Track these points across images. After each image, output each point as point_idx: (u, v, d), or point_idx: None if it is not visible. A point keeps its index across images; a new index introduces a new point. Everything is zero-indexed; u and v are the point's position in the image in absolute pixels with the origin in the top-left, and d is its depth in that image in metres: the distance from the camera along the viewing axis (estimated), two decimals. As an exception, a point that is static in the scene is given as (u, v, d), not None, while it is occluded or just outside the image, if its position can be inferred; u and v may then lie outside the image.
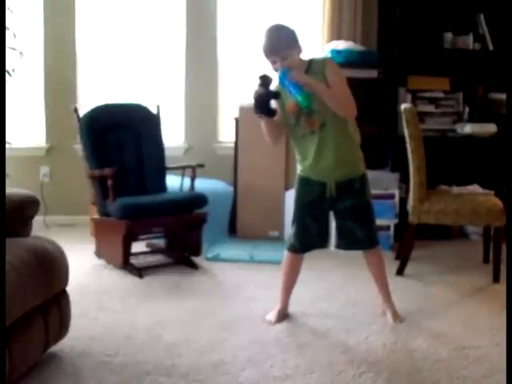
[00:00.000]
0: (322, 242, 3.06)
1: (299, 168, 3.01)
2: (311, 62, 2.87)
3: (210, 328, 2.92)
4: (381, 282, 3.11)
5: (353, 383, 2.38)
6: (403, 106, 3.82)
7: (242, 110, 4.76)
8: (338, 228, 3.05)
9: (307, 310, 3.17)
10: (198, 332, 2.86)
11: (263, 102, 2.76)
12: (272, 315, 3.04)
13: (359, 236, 2.99)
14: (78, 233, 4.71)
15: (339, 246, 3.08)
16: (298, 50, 2.83)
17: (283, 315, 3.06)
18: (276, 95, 2.80)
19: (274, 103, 2.83)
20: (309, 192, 2.97)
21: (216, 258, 4.14)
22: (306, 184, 2.97)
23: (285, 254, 3.10)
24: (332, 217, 3.07)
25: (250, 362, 2.54)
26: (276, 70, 2.82)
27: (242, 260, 4.12)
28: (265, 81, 2.76)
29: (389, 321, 3.03)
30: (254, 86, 2.79)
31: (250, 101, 4.83)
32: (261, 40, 2.84)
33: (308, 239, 3.02)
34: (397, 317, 3.05)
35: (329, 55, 4.64)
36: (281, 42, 2.79)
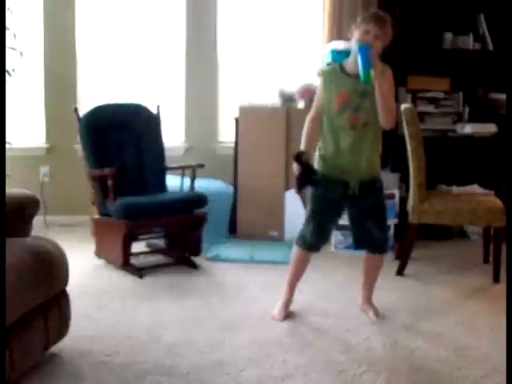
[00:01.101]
0: (326, 241, 3.12)
1: (319, 165, 2.96)
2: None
3: (210, 328, 2.92)
4: (370, 284, 3.15)
5: (353, 383, 2.38)
6: (403, 106, 3.82)
7: (242, 109, 4.76)
8: (357, 226, 3.04)
9: (307, 309, 3.17)
10: (198, 332, 2.86)
11: (307, 177, 2.81)
12: (278, 311, 3.06)
13: (376, 236, 3.00)
14: (78, 233, 4.71)
15: (359, 244, 3.08)
16: (384, 44, 2.79)
17: (288, 307, 3.08)
18: (313, 169, 2.85)
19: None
20: (329, 190, 2.94)
21: (216, 258, 4.14)
22: (326, 181, 2.91)
23: (295, 252, 3.07)
24: (348, 216, 3.08)
25: (250, 362, 2.54)
26: (360, 42, 2.74)
27: (242, 260, 4.12)
28: (301, 158, 2.79)
29: (372, 319, 3.05)
30: (296, 170, 2.82)
31: (249, 101, 4.89)
32: (366, 12, 2.85)
33: (324, 237, 3.04)
34: (378, 314, 3.07)
35: (328, 55, 4.64)
36: (385, 23, 2.78)
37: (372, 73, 2.69)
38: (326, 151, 2.94)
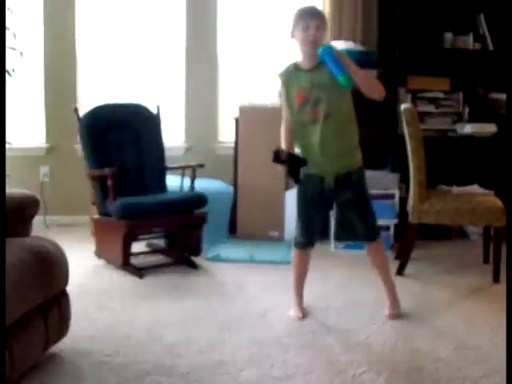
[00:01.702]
0: (321, 235, 3.15)
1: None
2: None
3: (210, 328, 2.92)
4: (384, 276, 3.12)
5: (353, 383, 2.38)
6: (403, 106, 3.82)
7: (242, 109, 4.76)
8: (339, 219, 3.08)
9: (307, 309, 3.17)
10: (198, 332, 2.86)
11: (296, 165, 2.82)
12: (296, 311, 3.08)
13: (359, 228, 3.02)
14: (78, 233, 4.71)
15: (339, 237, 3.11)
16: (325, 33, 2.85)
17: (302, 306, 3.11)
18: (294, 155, 2.85)
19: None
20: (310, 186, 2.98)
21: (216, 258, 4.14)
22: (305, 179, 2.96)
23: (293, 252, 3.13)
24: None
25: (250, 362, 2.54)
26: (305, 40, 2.77)
27: (242, 260, 4.12)
28: (279, 155, 2.79)
29: (384, 312, 3.06)
30: (277, 165, 2.82)
31: (249, 101, 4.89)
32: (297, 11, 2.85)
33: (313, 232, 3.06)
34: (392, 313, 3.07)
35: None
36: (320, 13, 2.85)
37: (349, 75, 2.69)
38: (300, 150, 2.97)
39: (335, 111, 2.84)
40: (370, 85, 2.80)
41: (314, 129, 2.86)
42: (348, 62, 2.73)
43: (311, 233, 3.05)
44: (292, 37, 2.85)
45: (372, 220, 3.04)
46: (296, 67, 2.91)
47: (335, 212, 3.09)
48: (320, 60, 2.77)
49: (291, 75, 2.91)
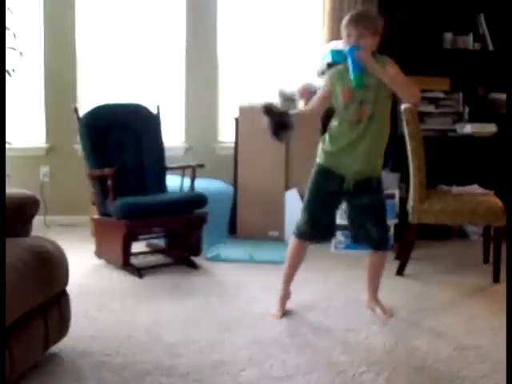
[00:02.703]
0: (329, 235, 3.18)
1: (321, 157, 3.00)
2: (374, 54, 2.87)
3: (210, 328, 2.92)
4: (375, 282, 3.17)
5: (353, 383, 2.38)
6: (403, 106, 3.81)
7: (242, 109, 4.76)
8: (354, 222, 3.07)
9: (307, 309, 3.17)
10: (198, 332, 2.86)
11: (278, 128, 2.82)
12: (275, 309, 3.08)
13: (374, 235, 3.01)
14: (78, 233, 4.71)
15: (357, 239, 3.10)
16: (375, 39, 2.85)
17: (285, 303, 3.11)
18: (285, 113, 2.85)
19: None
20: (328, 182, 2.98)
21: (216, 258, 4.14)
22: (325, 174, 2.97)
23: (291, 242, 3.11)
24: (347, 210, 3.10)
25: (250, 362, 2.54)
26: (346, 47, 2.83)
27: (242, 260, 4.12)
28: (269, 108, 2.81)
29: (380, 316, 3.06)
30: (263, 118, 2.83)
31: (249, 101, 4.89)
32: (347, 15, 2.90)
33: (318, 228, 3.05)
34: (387, 312, 3.09)
35: (328, 55, 4.64)
36: (366, 20, 2.84)
37: (367, 72, 2.74)
38: (330, 145, 2.96)
39: (379, 113, 2.88)
40: (401, 87, 2.81)
41: (355, 128, 2.88)
42: (373, 64, 2.76)
43: (316, 226, 3.03)
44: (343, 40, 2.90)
45: (386, 229, 3.09)
46: (346, 68, 2.92)
47: (348, 215, 3.08)
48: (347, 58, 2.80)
49: (339, 74, 2.95)
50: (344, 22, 2.87)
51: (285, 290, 3.13)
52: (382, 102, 2.87)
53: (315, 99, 3.03)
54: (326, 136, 3.00)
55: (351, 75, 2.76)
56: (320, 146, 3.03)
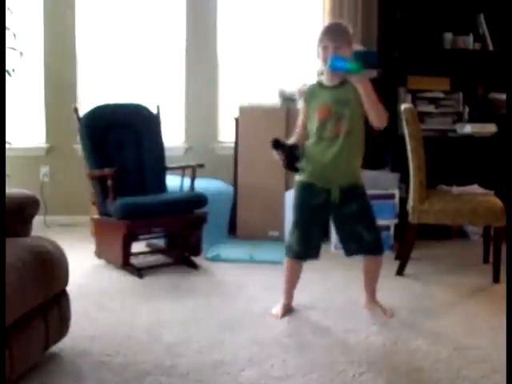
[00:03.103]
0: (316, 254, 3.09)
1: (302, 174, 3.00)
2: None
3: (210, 328, 2.92)
4: (371, 285, 3.17)
5: (353, 383, 2.38)
6: (403, 106, 3.82)
7: (242, 109, 4.76)
8: (346, 234, 3.05)
9: (307, 310, 3.17)
10: (198, 332, 2.86)
11: (294, 157, 2.86)
12: (277, 310, 3.08)
13: (367, 240, 3.01)
14: (78, 233, 4.71)
15: (349, 251, 3.09)
16: (350, 48, 2.89)
17: (288, 310, 3.11)
18: (294, 146, 2.88)
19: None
20: (313, 197, 2.99)
21: (216, 258, 4.14)
22: (309, 189, 2.99)
23: (286, 261, 3.12)
24: (334, 224, 3.12)
25: (250, 362, 2.54)
26: (323, 60, 2.86)
27: (242, 260, 4.12)
28: (278, 146, 2.84)
29: (381, 318, 3.06)
30: (275, 155, 2.87)
31: (249, 101, 4.89)
32: (320, 28, 2.96)
33: (311, 244, 3.04)
34: (387, 312, 3.09)
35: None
36: (342, 33, 2.88)
37: (356, 66, 2.75)
38: (311, 164, 2.97)
39: (356, 127, 2.90)
40: (376, 104, 2.82)
41: (332, 143, 2.90)
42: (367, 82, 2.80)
43: (309, 244, 3.03)
44: (318, 56, 2.92)
45: (379, 232, 3.09)
46: (320, 85, 2.98)
47: (337, 228, 3.09)
48: (331, 70, 2.83)
49: (314, 92, 2.98)
50: (319, 35, 2.89)
51: (287, 300, 3.14)
52: (358, 116, 2.89)
53: (299, 125, 3.05)
54: (304, 156, 2.97)
55: (348, 66, 2.74)
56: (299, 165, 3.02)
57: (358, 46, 4.71)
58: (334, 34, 2.86)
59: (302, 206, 3.03)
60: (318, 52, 2.90)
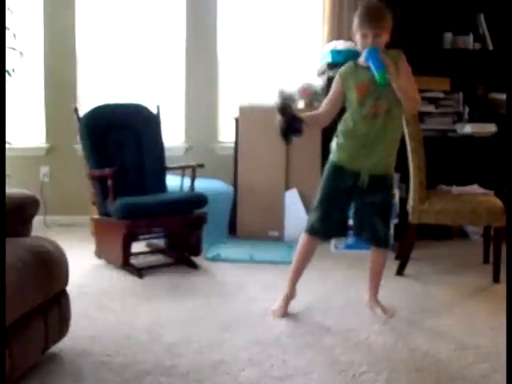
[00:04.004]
0: (341, 234, 3.19)
1: (336, 154, 3.00)
2: (386, 50, 2.90)
3: (210, 328, 2.92)
4: (376, 279, 3.17)
5: (353, 383, 2.38)
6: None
7: (242, 109, 4.76)
8: (361, 220, 3.06)
9: (307, 309, 3.17)
10: (198, 332, 2.86)
11: (293, 128, 2.81)
12: (278, 306, 3.07)
13: (379, 232, 3.03)
14: (78, 233, 4.71)
15: (360, 235, 3.11)
16: (388, 34, 2.88)
17: (289, 303, 3.09)
18: (299, 118, 2.83)
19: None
20: (342, 180, 2.99)
21: (216, 258, 4.14)
22: (339, 172, 2.99)
23: (302, 239, 3.08)
24: (354, 208, 3.11)
25: (250, 362, 2.54)
26: (362, 47, 2.86)
27: (242, 260, 4.12)
28: (285, 110, 2.81)
29: (381, 316, 3.06)
30: (276, 116, 2.82)
31: (249, 101, 4.89)
32: (359, 10, 2.91)
33: (329, 227, 3.04)
34: (387, 311, 3.09)
35: (328, 55, 4.64)
36: (381, 19, 2.86)
37: (387, 74, 2.77)
38: (346, 141, 2.97)
39: (395, 109, 2.90)
40: (406, 98, 2.84)
41: (372, 124, 2.90)
42: (391, 66, 2.80)
43: (328, 225, 3.03)
44: (353, 38, 2.93)
45: (390, 228, 3.12)
46: (356, 64, 2.97)
47: (356, 212, 3.08)
48: (366, 59, 2.84)
49: (351, 72, 2.96)
50: (358, 20, 2.87)
51: (290, 289, 3.12)
52: (397, 98, 2.88)
53: (327, 102, 3.02)
54: (340, 133, 3.00)
55: (376, 74, 2.77)
56: (334, 143, 3.03)
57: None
58: (373, 20, 2.82)
59: (328, 188, 3.01)
60: (354, 34, 2.90)
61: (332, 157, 3.03)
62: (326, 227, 3.03)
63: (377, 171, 2.96)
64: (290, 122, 2.80)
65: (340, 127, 3.01)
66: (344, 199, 3.03)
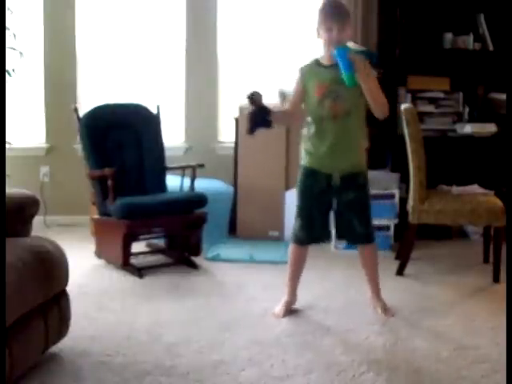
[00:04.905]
0: (325, 236, 3.22)
1: (305, 159, 3.03)
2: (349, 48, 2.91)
3: (210, 328, 2.92)
4: (372, 277, 3.17)
5: (353, 383, 2.38)
6: (403, 106, 3.82)
7: (242, 110, 4.75)
8: (338, 220, 3.10)
9: (307, 309, 3.17)
10: (198, 332, 2.86)
11: (259, 118, 2.82)
12: (279, 309, 3.08)
13: (357, 230, 3.04)
14: (78, 233, 4.71)
15: (341, 233, 3.18)
16: (350, 28, 2.91)
17: (289, 307, 3.11)
18: (266, 109, 2.84)
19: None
20: (316, 183, 3.00)
21: (216, 258, 4.14)
22: (312, 175, 3.01)
23: (290, 248, 3.14)
24: (333, 211, 3.12)
25: (250, 362, 2.54)
26: (328, 41, 2.85)
27: (242, 260, 4.12)
28: (254, 99, 2.82)
29: (380, 316, 3.06)
30: (247, 108, 2.86)
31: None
32: (321, 5, 2.92)
33: (314, 231, 3.06)
34: (387, 311, 3.09)
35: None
36: (345, 13, 2.88)
37: (356, 76, 2.77)
38: (312, 152, 3.00)
39: (355, 108, 2.90)
40: (376, 98, 2.84)
41: (331, 125, 2.90)
42: (361, 66, 2.79)
43: (312, 229, 3.05)
44: (318, 36, 2.92)
45: (371, 225, 3.10)
46: (317, 63, 2.97)
47: (335, 215, 3.10)
48: (334, 58, 2.83)
49: (312, 70, 2.97)
50: (322, 14, 2.87)
51: (290, 294, 3.14)
52: (357, 100, 2.88)
53: (292, 100, 3.06)
54: (304, 137, 3.02)
55: (344, 74, 2.77)
56: (302, 148, 3.06)
57: (357, 46, 4.73)
58: (336, 14, 2.84)
59: (304, 193, 3.04)
60: (318, 31, 2.90)
61: (303, 162, 3.05)
62: (309, 234, 3.06)
63: (347, 170, 2.98)
64: (257, 112, 2.82)
65: (303, 132, 3.04)
66: (322, 202, 3.04)
